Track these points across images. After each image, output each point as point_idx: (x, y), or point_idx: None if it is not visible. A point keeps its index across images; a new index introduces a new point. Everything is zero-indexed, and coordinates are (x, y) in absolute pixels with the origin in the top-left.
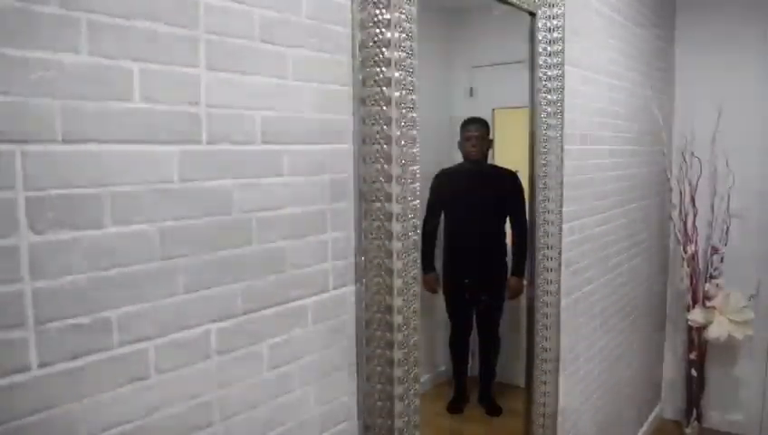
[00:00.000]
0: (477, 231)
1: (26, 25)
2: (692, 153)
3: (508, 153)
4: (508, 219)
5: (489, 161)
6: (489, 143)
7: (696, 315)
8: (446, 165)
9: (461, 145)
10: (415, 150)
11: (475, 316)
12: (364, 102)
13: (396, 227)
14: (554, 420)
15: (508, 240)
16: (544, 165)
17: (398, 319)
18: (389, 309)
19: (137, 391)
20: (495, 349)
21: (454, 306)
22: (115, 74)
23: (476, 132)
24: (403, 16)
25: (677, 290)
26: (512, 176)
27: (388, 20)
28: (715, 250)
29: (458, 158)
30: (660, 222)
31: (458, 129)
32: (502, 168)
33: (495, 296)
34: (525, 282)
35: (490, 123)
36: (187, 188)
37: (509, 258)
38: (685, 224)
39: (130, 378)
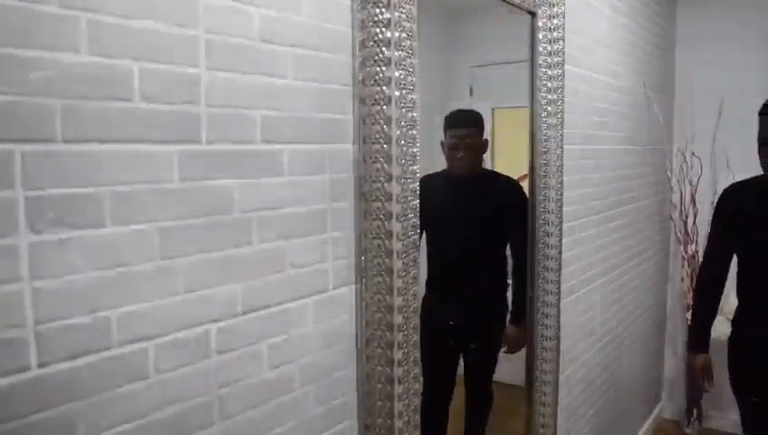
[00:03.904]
0: (467, 258)
1: (26, 25)
2: (692, 153)
3: (508, 153)
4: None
5: (486, 166)
6: (483, 147)
7: None
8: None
9: (444, 149)
10: (415, 150)
11: (463, 368)
12: (364, 102)
13: (396, 226)
14: (554, 420)
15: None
16: (544, 165)
17: (398, 319)
18: (389, 309)
19: (137, 391)
20: (486, 408)
21: (433, 356)
22: (115, 74)
23: (466, 136)
24: (403, 16)
25: (678, 290)
26: (513, 186)
27: (389, 19)
28: None
29: None
30: (661, 222)
31: (442, 126)
32: (501, 175)
33: (490, 344)
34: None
35: (488, 122)
36: (187, 187)
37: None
38: (685, 224)
39: (130, 378)
